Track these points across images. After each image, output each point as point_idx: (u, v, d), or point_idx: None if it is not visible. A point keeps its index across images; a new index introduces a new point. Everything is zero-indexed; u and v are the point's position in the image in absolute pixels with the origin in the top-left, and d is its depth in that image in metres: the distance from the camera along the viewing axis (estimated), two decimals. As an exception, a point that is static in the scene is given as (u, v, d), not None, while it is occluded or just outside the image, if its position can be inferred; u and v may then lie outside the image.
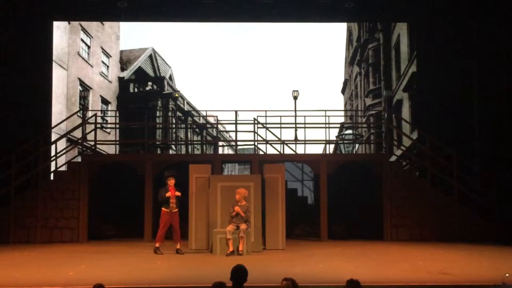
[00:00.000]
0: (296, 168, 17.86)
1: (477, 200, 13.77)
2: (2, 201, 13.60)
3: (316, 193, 16.02)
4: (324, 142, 16.56)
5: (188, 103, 33.46)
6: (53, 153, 14.94)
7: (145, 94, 29.93)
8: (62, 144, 17.09)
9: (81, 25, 24.45)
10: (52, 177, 14.72)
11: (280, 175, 12.70)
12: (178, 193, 11.48)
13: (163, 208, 11.45)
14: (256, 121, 15.73)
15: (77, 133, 17.39)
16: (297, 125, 16.19)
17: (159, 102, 28.86)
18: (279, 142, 15.74)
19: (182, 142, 25.62)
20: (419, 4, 15.83)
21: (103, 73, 27.14)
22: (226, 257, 10.70)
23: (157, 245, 11.42)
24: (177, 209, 11.48)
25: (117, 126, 18.91)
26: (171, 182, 11.50)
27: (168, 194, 11.37)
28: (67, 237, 13.73)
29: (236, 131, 16.01)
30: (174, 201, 11.39)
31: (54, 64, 17.39)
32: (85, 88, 25.02)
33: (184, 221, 12.14)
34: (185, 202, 12.18)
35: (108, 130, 24.56)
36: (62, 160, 16.43)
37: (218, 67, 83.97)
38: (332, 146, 25.68)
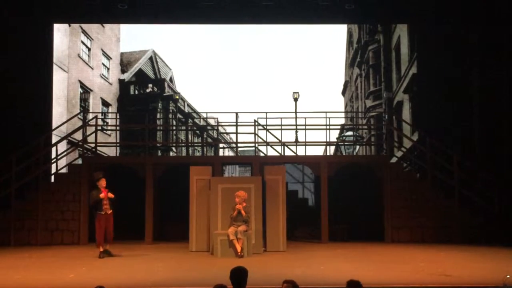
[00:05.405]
0: (296, 170, 17.85)
1: (478, 201, 13.77)
2: (2, 204, 13.61)
3: (316, 195, 16.00)
4: (325, 143, 16.56)
5: (189, 105, 33.46)
6: (53, 155, 14.95)
7: (146, 96, 29.90)
8: (62, 146, 17.12)
9: (81, 28, 24.46)
10: (52, 179, 14.74)
11: (281, 176, 12.70)
12: (111, 195, 11.17)
13: (97, 212, 11.15)
14: (256, 123, 15.71)
15: (78, 135, 17.43)
16: (298, 127, 16.19)
17: (159, 104, 28.84)
18: (280, 143, 15.73)
19: (183, 144, 25.58)
20: (419, 6, 15.82)
21: (103, 75, 27.15)
22: (227, 259, 10.62)
23: (100, 249, 11.14)
24: (111, 211, 11.23)
25: (118, 128, 18.91)
26: (103, 183, 11.22)
27: (102, 196, 11.06)
28: (68, 239, 13.74)
29: (236, 133, 15.97)
30: (107, 202, 11.14)
31: (54, 67, 17.40)
32: (85, 90, 25.03)
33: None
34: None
35: (109, 132, 24.58)
36: (62, 162, 16.44)
37: (218, 69, 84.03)
38: (332, 148, 25.65)
